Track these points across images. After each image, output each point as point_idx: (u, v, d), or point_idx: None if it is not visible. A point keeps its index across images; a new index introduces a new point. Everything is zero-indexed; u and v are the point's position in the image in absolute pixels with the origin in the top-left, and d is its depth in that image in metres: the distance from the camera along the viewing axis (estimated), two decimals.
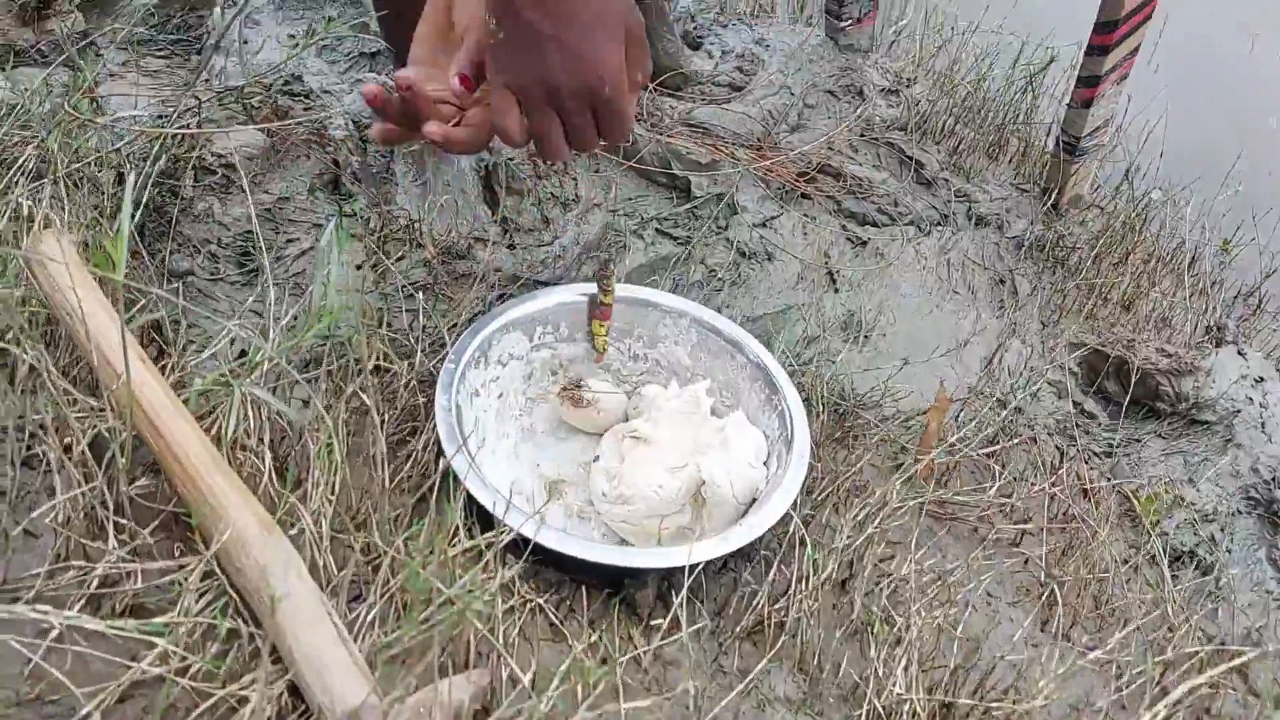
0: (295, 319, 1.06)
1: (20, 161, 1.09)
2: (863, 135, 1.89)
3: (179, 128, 1.22)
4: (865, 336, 1.50)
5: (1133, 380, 1.53)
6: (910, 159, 1.85)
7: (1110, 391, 1.58)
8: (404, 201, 1.46)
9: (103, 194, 1.10)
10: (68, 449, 0.85)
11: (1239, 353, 1.63)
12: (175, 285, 1.14)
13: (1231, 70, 2.39)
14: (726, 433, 1.10)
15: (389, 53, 1.64)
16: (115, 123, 1.16)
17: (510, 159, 1.50)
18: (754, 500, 1.08)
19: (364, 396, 0.98)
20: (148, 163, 1.14)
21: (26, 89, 1.33)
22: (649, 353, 1.20)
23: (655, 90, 1.84)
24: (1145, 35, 1.71)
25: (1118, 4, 1.61)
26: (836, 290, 1.58)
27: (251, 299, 1.15)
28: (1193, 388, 1.54)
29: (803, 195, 1.71)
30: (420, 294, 1.20)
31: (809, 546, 1.03)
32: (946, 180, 1.84)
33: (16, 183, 1.06)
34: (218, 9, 1.62)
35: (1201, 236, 1.89)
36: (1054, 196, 1.84)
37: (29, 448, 0.86)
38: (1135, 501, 1.39)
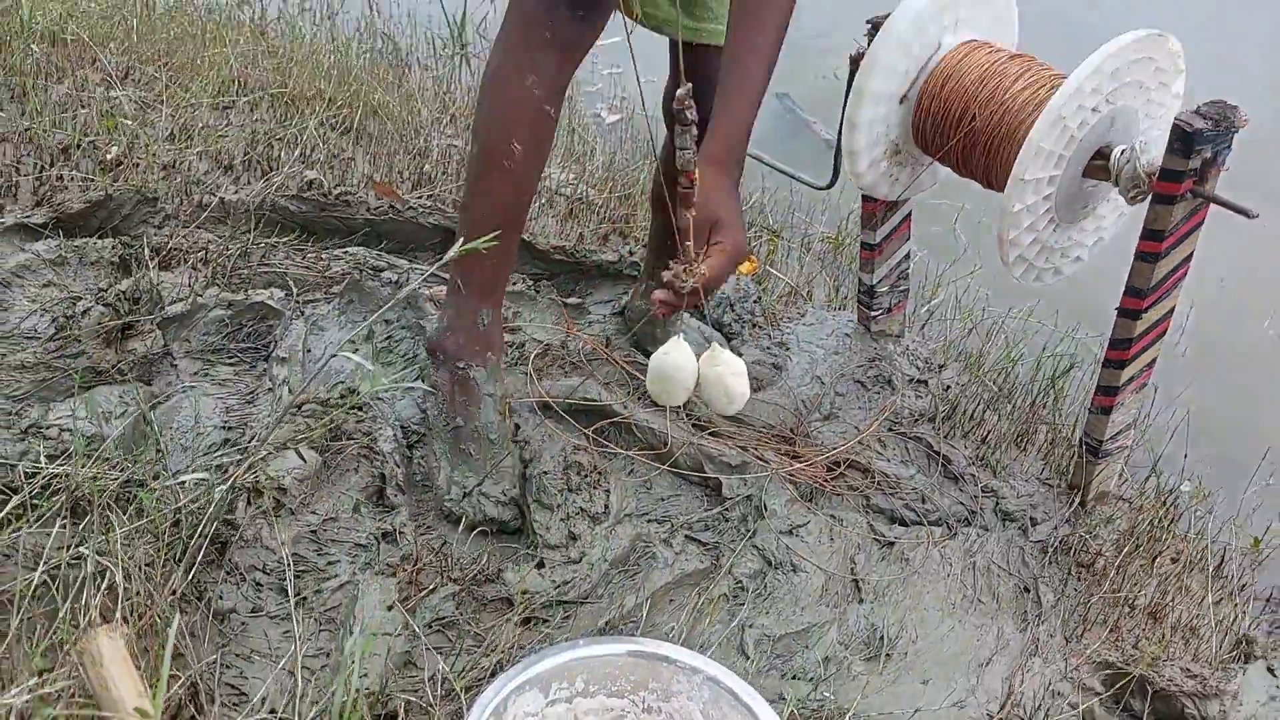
0: (325, 664, 1.13)
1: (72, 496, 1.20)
2: (891, 429, 1.95)
3: (236, 465, 1.32)
4: (887, 655, 1.52)
5: (1156, 702, 1.53)
6: (938, 454, 1.91)
7: (1136, 710, 1.57)
8: (439, 453, 1.55)
9: (160, 540, 1.19)
10: None
11: (1269, 669, 1.62)
12: (217, 625, 1.22)
13: (1260, 361, 2.43)
14: None
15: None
16: (175, 478, 1.26)
17: (544, 472, 1.59)
18: None
19: None
20: (207, 507, 1.23)
21: (104, 412, 1.45)
22: (663, 706, 1.24)
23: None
24: (1162, 350, 1.77)
25: (1129, 327, 1.69)
26: (861, 600, 1.62)
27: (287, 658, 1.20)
28: (1219, 711, 1.53)
29: (832, 493, 1.77)
30: (447, 631, 1.26)
31: None
32: (974, 476, 1.89)
33: (82, 529, 1.16)
34: (286, 316, 1.77)
35: (1231, 534, 1.90)
36: (1080, 494, 1.87)
37: None
38: None
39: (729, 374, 1.36)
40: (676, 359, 1.34)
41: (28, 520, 1.21)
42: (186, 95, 2.28)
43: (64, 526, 1.18)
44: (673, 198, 1.90)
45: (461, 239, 1.28)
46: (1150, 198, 1.61)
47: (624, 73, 3.32)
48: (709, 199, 1.33)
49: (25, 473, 1.27)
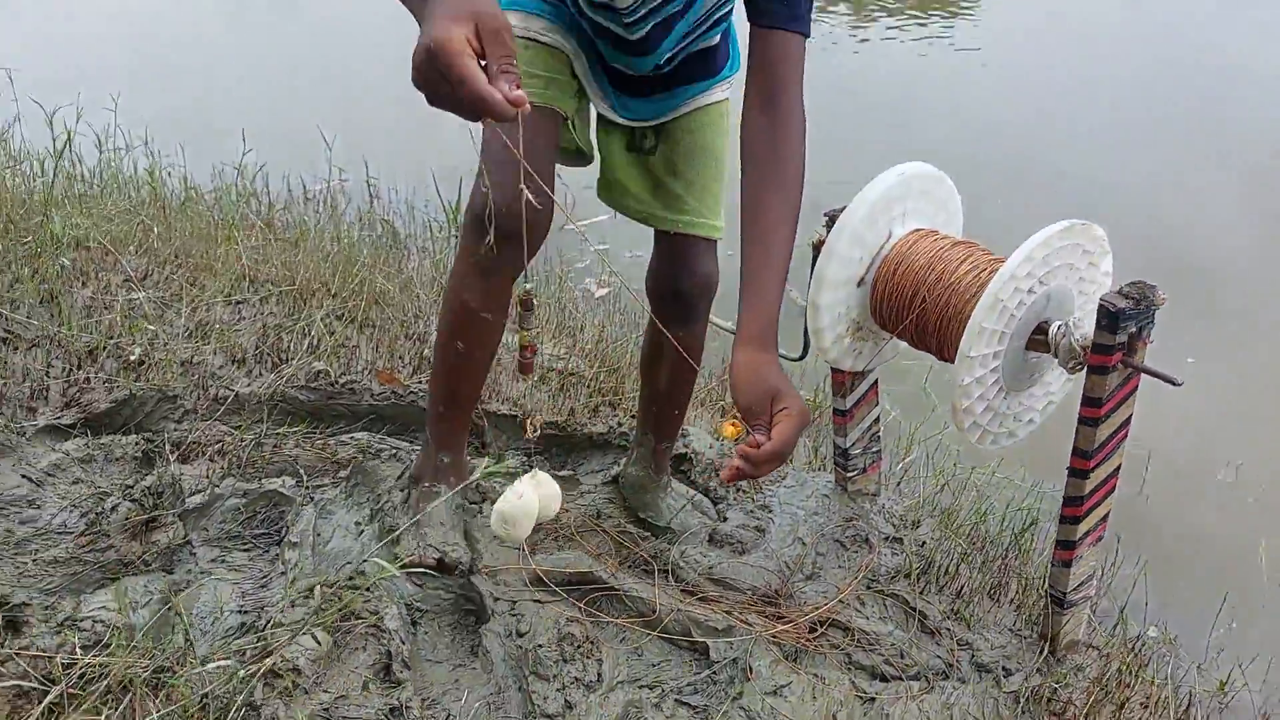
0: None
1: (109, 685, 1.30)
2: (869, 586, 2.06)
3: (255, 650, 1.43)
4: None
5: None
6: (915, 609, 2.02)
7: None
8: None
9: None
10: None
11: None
12: None
13: (1216, 509, 2.56)
14: None
15: None
16: (203, 664, 1.38)
17: (539, 645, 1.70)
18: None
19: None
20: (231, 692, 1.34)
21: (131, 601, 1.57)
22: None
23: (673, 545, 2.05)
24: (1114, 504, 1.90)
25: (1080, 486, 1.82)
26: None
27: None
28: None
29: (815, 652, 1.87)
30: None
31: None
32: (949, 629, 1.99)
33: (120, 715, 1.26)
34: (296, 503, 1.90)
35: (1196, 677, 1.99)
36: (1050, 643, 1.97)
37: None
38: None
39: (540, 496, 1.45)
40: (527, 505, 1.43)
41: (64, 710, 1.32)
42: (202, 294, 2.46)
43: (101, 713, 1.28)
44: (653, 364, 2.08)
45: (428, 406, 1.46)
46: (1086, 369, 1.77)
47: (611, 249, 3.54)
48: (760, 374, 1.47)
49: (62, 664, 1.38)
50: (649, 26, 1.70)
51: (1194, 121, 5.67)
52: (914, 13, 7.83)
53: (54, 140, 3.11)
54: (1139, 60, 6.69)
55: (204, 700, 1.35)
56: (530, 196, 1.39)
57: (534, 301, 1.40)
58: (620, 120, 1.87)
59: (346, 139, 3.88)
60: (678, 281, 1.97)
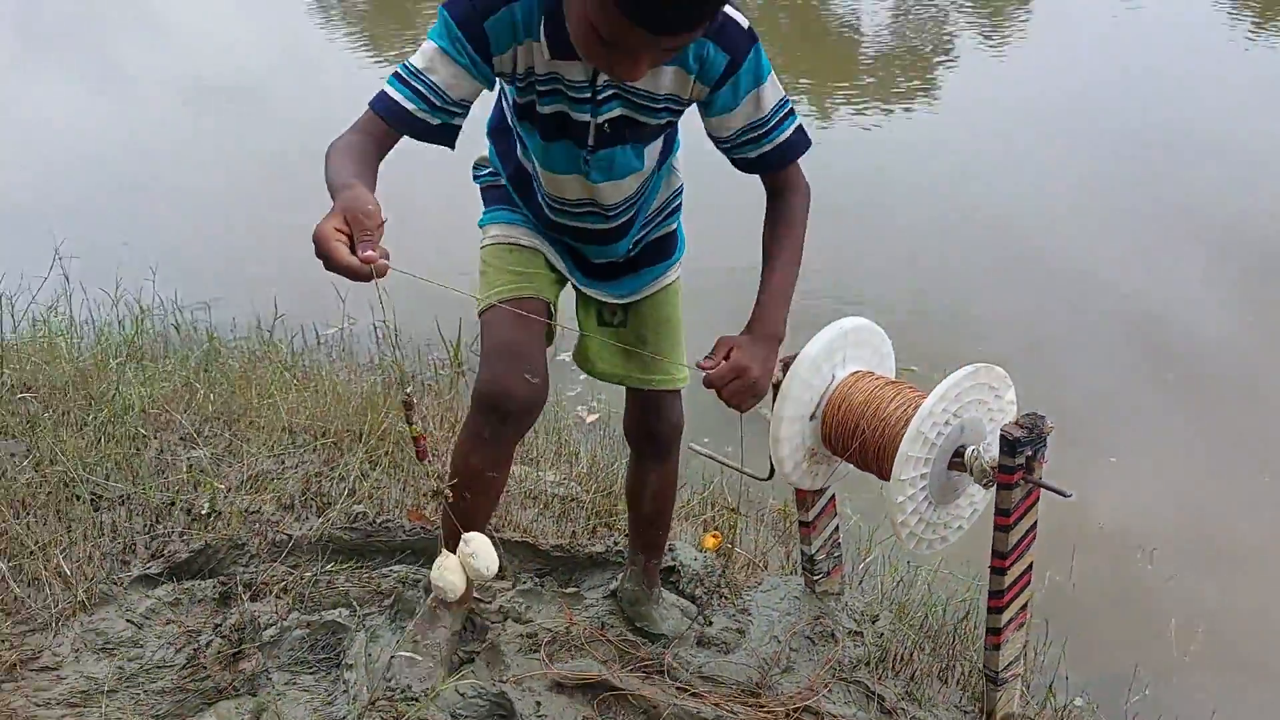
0: None
1: None
2: (836, 676, 2.43)
3: None
4: None
5: None
6: (874, 694, 2.39)
7: None
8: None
9: None
10: None
11: None
12: None
13: (1138, 582, 2.97)
14: None
15: None
16: None
17: None
18: None
19: None
20: None
21: None
22: None
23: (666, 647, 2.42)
24: (1045, 591, 2.29)
25: (999, 581, 2.21)
26: None
27: None
28: None
29: None
30: None
31: None
32: (904, 709, 2.36)
33: None
34: (351, 630, 2.27)
35: None
36: (988, 717, 2.34)
37: None
38: None
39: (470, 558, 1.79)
40: (453, 578, 1.79)
41: None
42: (248, 447, 2.86)
43: None
44: (637, 495, 2.46)
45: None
46: (996, 485, 2.17)
47: None
48: (746, 355, 1.86)
49: None
50: (623, 219, 2.11)
51: (1158, 195, 6.09)
52: (875, 99, 8.33)
53: (102, 308, 3.53)
54: (1098, 139, 7.09)
55: None
56: (529, 378, 1.79)
57: (414, 403, 1.66)
58: (594, 295, 2.22)
59: (352, 286, 4.29)
60: (652, 428, 2.36)
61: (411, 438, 1.70)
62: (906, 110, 7.94)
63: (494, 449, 2.05)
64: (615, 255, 2.16)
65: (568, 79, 1.83)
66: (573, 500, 3.00)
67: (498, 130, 2.11)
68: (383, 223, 1.48)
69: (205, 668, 2.04)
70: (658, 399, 2.34)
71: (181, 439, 2.88)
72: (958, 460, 2.25)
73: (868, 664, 2.48)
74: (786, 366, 2.40)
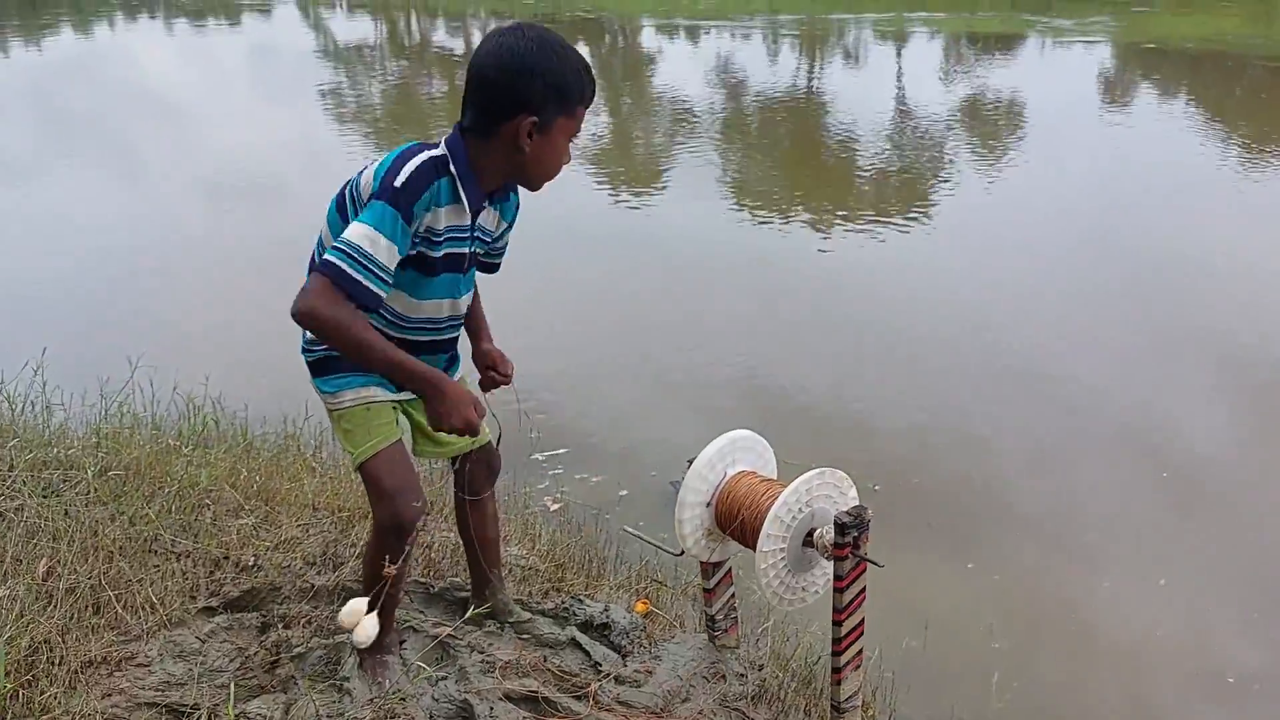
0: None
1: None
2: (721, 704, 3.20)
3: None
4: None
5: None
6: (749, 717, 3.15)
7: None
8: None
9: None
10: None
11: None
12: None
13: (974, 650, 3.75)
14: None
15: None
16: None
17: None
18: None
19: None
20: None
21: (267, 713, 2.71)
22: None
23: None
24: (865, 641, 3.07)
25: (838, 630, 3.00)
26: None
27: None
28: None
29: None
30: None
31: None
32: None
33: None
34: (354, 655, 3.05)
35: None
36: None
37: None
38: None
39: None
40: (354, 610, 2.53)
41: None
42: (282, 519, 3.67)
43: None
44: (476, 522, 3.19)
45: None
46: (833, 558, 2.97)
47: (563, 473, 4.78)
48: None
49: None
50: (456, 333, 2.81)
51: (1152, 313, 6.82)
52: (871, 215, 9.07)
53: (160, 403, 4.38)
54: (1086, 257, 7.83)
55: None
56: (416, 505, 2.60)
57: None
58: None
59: None
60: (491, 464, 3.13)
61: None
62: (902, 231, 8.78)
63: (397, 555, 2.56)
64: (450, 351, 2.84)
65: (459, 225, 2.52)
66: (531, 569, 3.80)
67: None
68: None
69: (251, 671, 2.82)
70: (484, 453, 3.09)
71: (229, 510, 3.69)
72: (809, 539, 3.06)
73: (747, 698, 3.25)
74: (691, 463, 3.23)
